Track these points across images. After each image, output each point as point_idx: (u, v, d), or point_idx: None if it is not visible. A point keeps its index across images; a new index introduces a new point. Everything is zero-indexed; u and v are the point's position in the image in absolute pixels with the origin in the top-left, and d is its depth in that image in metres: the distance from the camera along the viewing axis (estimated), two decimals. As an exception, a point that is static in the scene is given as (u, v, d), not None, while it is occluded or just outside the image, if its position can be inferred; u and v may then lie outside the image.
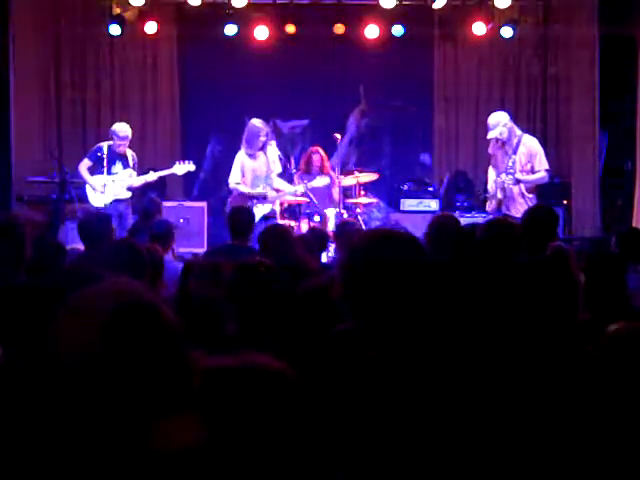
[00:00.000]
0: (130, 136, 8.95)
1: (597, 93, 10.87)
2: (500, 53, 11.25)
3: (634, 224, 10.11)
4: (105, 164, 8.76)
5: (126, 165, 8.85)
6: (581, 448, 2.21)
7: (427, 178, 11.37)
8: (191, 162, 9.19)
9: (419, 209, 10.46)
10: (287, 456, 1.40)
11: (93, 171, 8.87)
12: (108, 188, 8.77)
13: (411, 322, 1.99)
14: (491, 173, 8.50)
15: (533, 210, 5.62)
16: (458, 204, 10.87)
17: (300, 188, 9.09)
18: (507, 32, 10.50)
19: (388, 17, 10.49)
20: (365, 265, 2.02)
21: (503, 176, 8.16)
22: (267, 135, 8.75)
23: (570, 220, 10.71)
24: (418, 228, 5.70)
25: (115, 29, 10.43)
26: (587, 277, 3.63)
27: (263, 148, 8.71)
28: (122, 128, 8.93)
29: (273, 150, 8.85)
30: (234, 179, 8.76)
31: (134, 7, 10.45)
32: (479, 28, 10.62)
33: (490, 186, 8.44)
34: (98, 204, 8.74)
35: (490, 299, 2.60)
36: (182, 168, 9.10)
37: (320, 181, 9.30)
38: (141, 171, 9.07)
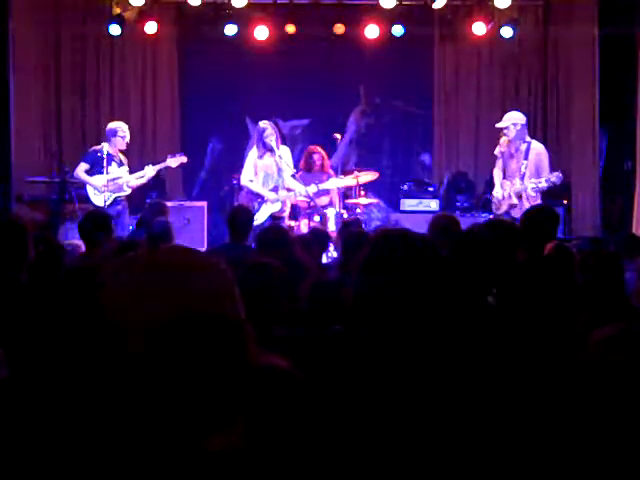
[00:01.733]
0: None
1: (597, 93, 10.88)
2: (500, 53, 11.25)
3: (634, 224, 10.12)
4: (105, 164, 8.81)
5: (120, 164, 8.94)
6: (577, 446, 2.22)
7: (427, 178, 11.38)
8: (183, 154, 9.32)
9: (419, 209, 10.46)
10: (299, 458, 1.39)
11: (92, 173, 8.90)
12: (110, 186, 8.82)
13: (420, 322, 1.99)
14: (497, 175, 8.57)
15: (534, 210, 5.63)
16: (458, 204, 10.87)
17: (312, 189, 9.03)
18: (507, 32, 10.50)
19: (388, 17, 10.49)
20: (382, 266, 2.03)
21: (518, 182, 8.26)
22: (275, 135, 8.74)
23: (570, 220, 10.71)
24: (418, 228, 5.70)
25: (115, 29, 10.42)
26: (585, 276, 3.64)
27: (272, 149, 8.69)
28: (121, 125, 9.05)
29: (285, 151, 8.86)
30: (247, 176, 8.78)
31: (134, 7, 10.45)
32: (479, 28, 10.62)
33: (497, 191, 8.51)
34: (100, 203, 8.78)
35: (491, 299, 2.61)
36: (175, 161, 9.22)
37: (333, 183, 9.29)
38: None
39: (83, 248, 5.72)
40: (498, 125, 8.56)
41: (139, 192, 10.75)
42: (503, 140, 8.57)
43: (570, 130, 11.07)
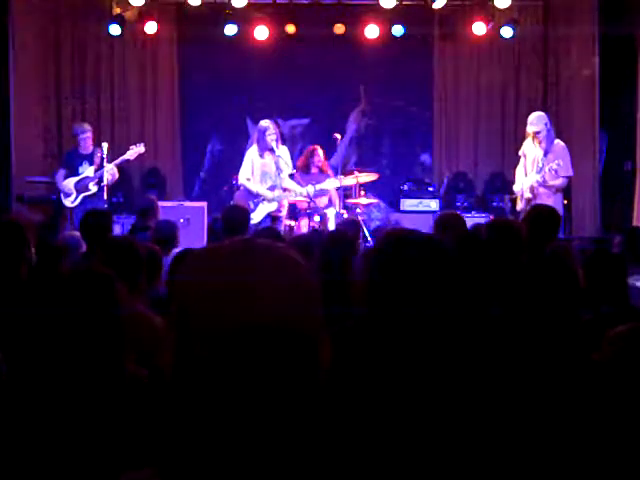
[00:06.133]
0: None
1: (597, 93, 10.88)
2: (500, 53, 11.25)
3: (634, 224, 10.11)
4: (76, 166, 9.14)
5: (91, 163, 9.09)
6: (581, 449, 2.21)
7: (427, 178, 11.38)
8: (141, 145, 9.31)
9: (419, 209, 10.46)
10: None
11: (68, 176, 9.18)
12: (78, 187, 9.09)
13: (427, 318, 1.99)
14: (519, 173, 8.50)
15: (534, 210, 5.63)
16: (458, 204, 10.87)
17: (309, 189, 9.00)
18: (507, 32, 10.51)
19: (388, 17, 10.49)
20: (389, 264, 2.03)
21: (531, 175, 8.24)
22: (276, 134, 8.72)
23: (570, 220, 10.71)
24: (418, 228, 5.68)
25: (115, 29, 10.42)
26: (588, 277, 3.63)
27: (272, 149, 8.67)
28: (82, 124, 9.49)
29: (285, 151, 8.84)
30: (244, 175, 8.77)
31: (134, 7, 10.45)
32: (479, 28, 10.62)
33: (517, 186, 8.47)
34: (68, 204, 9.10)
35: (495, 298, 2.60)
36: (133, 153, 9.27)
37: (330, 183, 9.26)
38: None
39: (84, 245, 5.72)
40: (533, 130, 8.29)
41: (139, 192, 10.75)
42: (528, 143, 8.45)
43: (570, 130, 11.05)
